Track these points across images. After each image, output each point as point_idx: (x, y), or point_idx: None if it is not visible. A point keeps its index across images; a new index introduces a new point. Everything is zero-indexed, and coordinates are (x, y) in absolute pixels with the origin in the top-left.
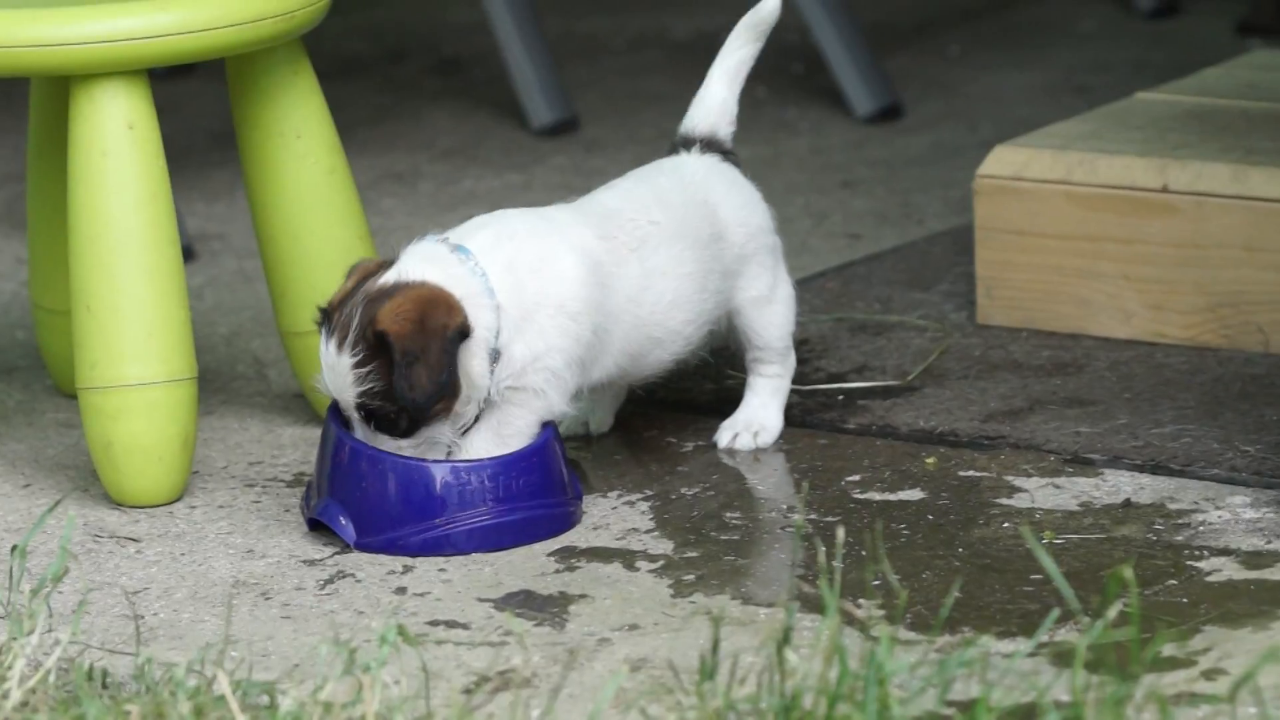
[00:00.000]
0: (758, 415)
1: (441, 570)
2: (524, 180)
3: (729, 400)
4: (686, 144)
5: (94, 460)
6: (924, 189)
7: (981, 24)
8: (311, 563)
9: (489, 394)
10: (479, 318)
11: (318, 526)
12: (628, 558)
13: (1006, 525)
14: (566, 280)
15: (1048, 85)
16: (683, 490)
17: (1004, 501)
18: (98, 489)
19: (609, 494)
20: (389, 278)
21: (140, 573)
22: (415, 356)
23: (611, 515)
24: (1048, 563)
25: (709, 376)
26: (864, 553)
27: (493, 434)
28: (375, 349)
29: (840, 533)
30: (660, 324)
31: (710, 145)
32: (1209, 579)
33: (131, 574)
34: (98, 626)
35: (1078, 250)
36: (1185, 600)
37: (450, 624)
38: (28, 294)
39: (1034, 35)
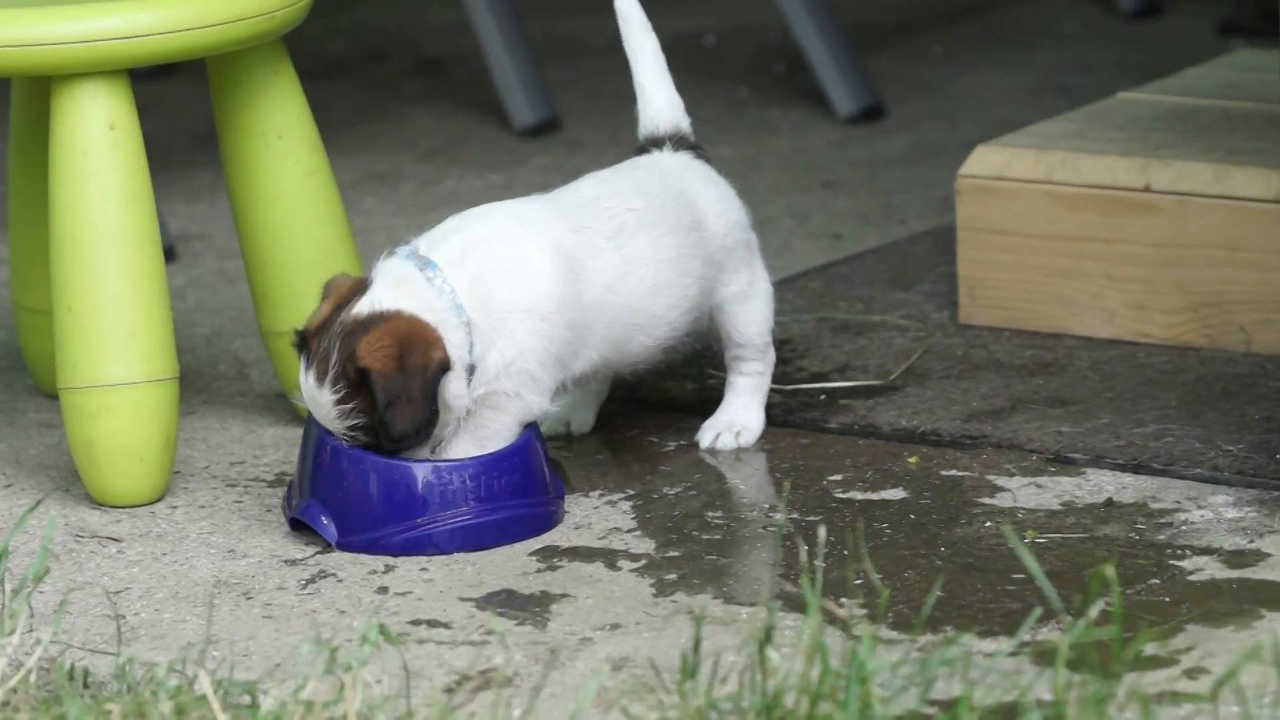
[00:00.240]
0: (739, 415)
1: (423, 570)
2: (506, 180)
3: (711, 400)
4: (656, 144)
5: (75, 460)
6: (906, 189)
7: (963, 24)
8: (293, 562)
9: (464, 412)
10: (452, 339)
11: (299, 526)
12: (609, 557)
13: (989, 524)
14: (537, 282)
15: (1030, 85)
16: (665, 490)
17: (986, 501)
18: (79, 489)
19: (591, 493)
20: (363, 307)
21: (122, 573)
22: (397, 394)
23: (593, 515)
24: (1030, 562)
25: (691, 376)
26: (846, 552)
27: (471, 438)
28: (357, 386)
29: (822, 532)
30: (642, 310)
31: (679, 142)
32: (1191, 578)
33: (113, 574)
34: (79, 626)
35: (1060, 250)
36: (1167, 599)
37: (432, 623)
38: (8, 294)
39: (1016, 35)
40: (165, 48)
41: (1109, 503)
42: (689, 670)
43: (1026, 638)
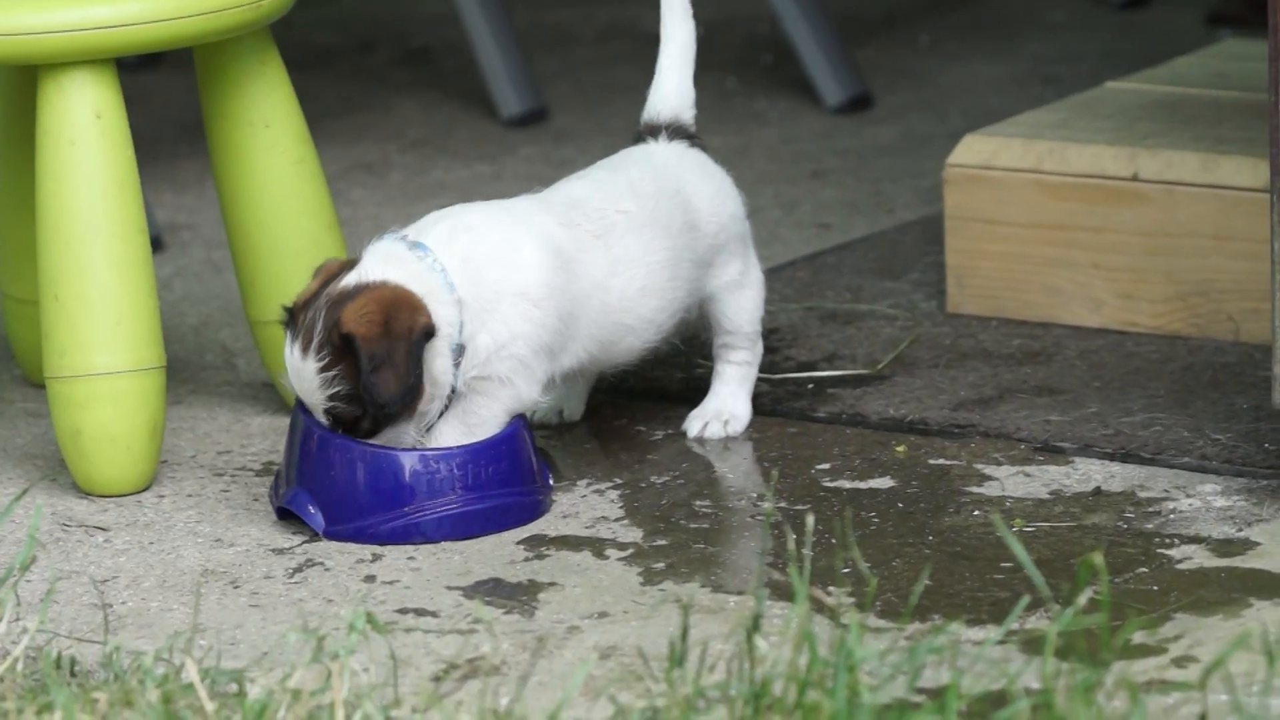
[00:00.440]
0: (727, 404)
1: (410, 558)
2: (493, 171)
3: (699, 389)
4: (652, 132)
5: (62, 449)
6: (894, 178)
7: (951, 15)
8: (280, 551)
9: (455, 388)
10: (441, 314)
11: (286, 515)
12: (597, 546)
13: (977, 513)
14: (527, 267)
15: (1017, 75)
16: (652, 479)
17: (974, 489)
18: (66, 478)
19: (579, 482)
20: (350, 280)
21: (109, 561)
22: (382, 360)
23: (581, 503)
24: (1018, 550)
25: (679, 365)
26: (834, 540)
27: (460, 424)
28: (341, 352)
29: (810, 520)
30: (630, 311)
31: (676, 131)
32: (1179, 567)
33: (100, 563)
34: (66, 615)
35: (1048, 239)
36: (1156, 588)
37: (419, 612)
38: None
39: (1004, 26)
40: (152, 37)
41: (1097, 491)
42: (677, 658)
43: (1015, 626)
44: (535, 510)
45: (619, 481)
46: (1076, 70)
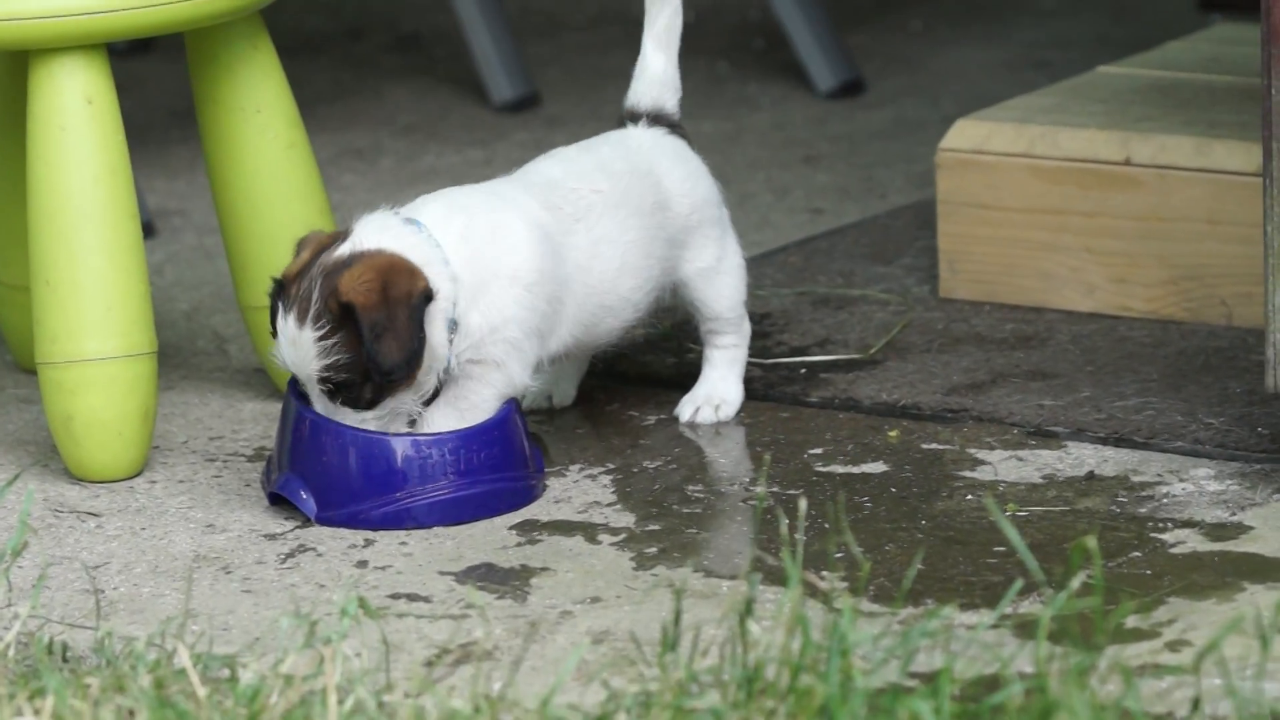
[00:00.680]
0: (718, 388)
1: (402, 544)
2: (485, 156)
3: (690, 374)
4: (633, 118)
5: (54, 435)
6: (886, 163)
7: (943, 0)
8: (272, 537)
9: (449, 366)
10: (437, 286)
11: (278, 501)
12: (589, 531)
13: (969, 498)
14: (520, 250)
15: (1009, 61)
16: (644, 463)
17: (967, 474)
18: (57, 464)
19: (571, 467)
20: (344, 249)
21: (100, 547)
22: (383, 327)
23: (573, 489)
24: (1012, 534)
25: (670, 350)
26: (826, 525)
27: (451, 408)
28: (340, 321)
29: (803, 505)
30: (610, 291)
31: (657, 119)
32: (1172, 551)
33: (92, 548)
34: (58, 601)
35: (1040, 223)
36: (1149, 572)
37: (411, 597)
38: None
39: (996, 11)
40: (143, 22)
41: (1090, 476)
42: (669, 643)
43: (1008, 610)
44: (527, 495)
45: (611, 466)
46: (1068, 55)
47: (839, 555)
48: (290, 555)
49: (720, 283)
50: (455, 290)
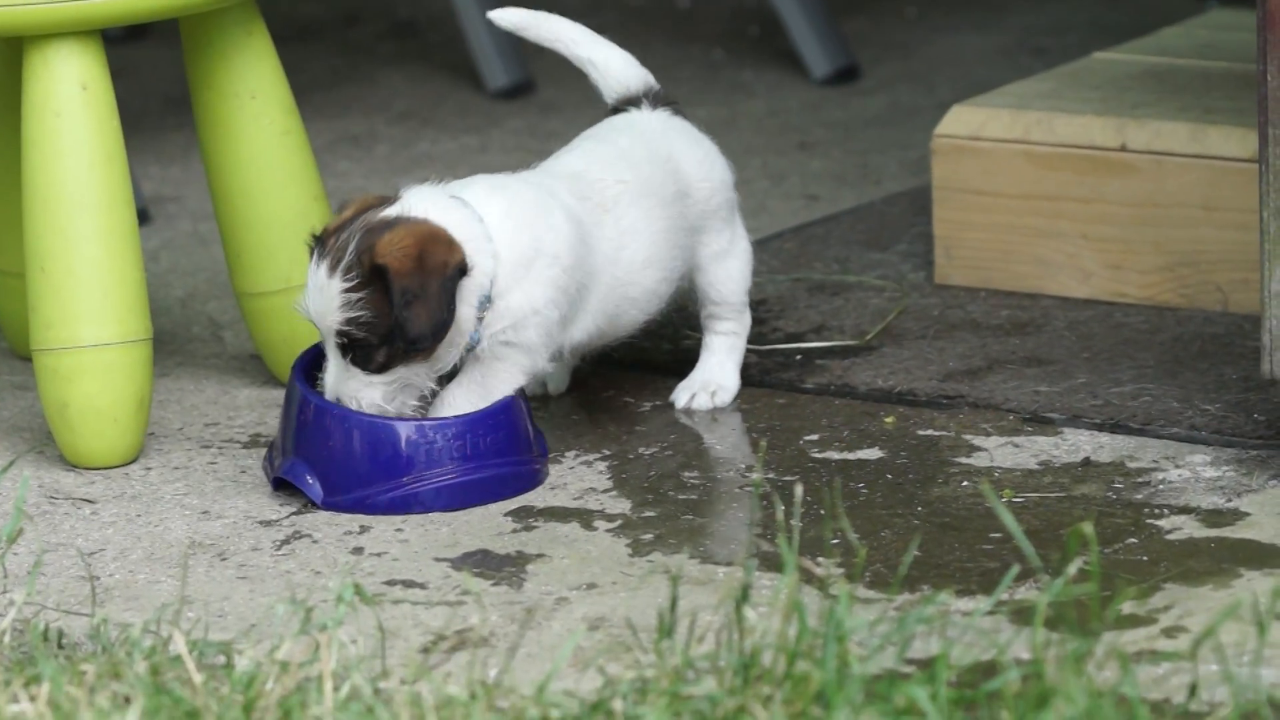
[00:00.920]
0: (715, 375)
1: (398, 530)
2: (480, 143)
3: (686, 360)
4: (632, 102)
5: (49, 422)
6: (881, 150)
7: None
8: (268, 523)
9: (476, 344)
10: (477, 262)
11: (283, 486)
12: (585, 517)
13: (965, 484)
14: (559, 233)
15: (1005, 47)
16: (640, 450)
17: (963, 460)
18: (53, 450)
19: (567, 454)
20: (390, 211)
21: (96, 534)
22: (414, 295)
23: (569, 475)
24: (1008, 520)
25: (666, 337)
26: (822, 511)
27: (477, 387)
28: (369, 278)
29: (798, 491)
30: (636, 283)
31: (656, 98)
32: (1169, 537)
33: (87, 535)
34: (53, 587)
35: (1036, 210)
36: (1145, 558)
37: (407, 583)
38: None
39: None
40: (138, 8)
41: (1086, 462)
42: (666, 629)
43: (1004, 596)
44: (532, 480)
45: (607, 453)
46: (1064, 41)
47: (835, 541)
48: (286, 542)
49: (729, 266)
50: (495, 268)
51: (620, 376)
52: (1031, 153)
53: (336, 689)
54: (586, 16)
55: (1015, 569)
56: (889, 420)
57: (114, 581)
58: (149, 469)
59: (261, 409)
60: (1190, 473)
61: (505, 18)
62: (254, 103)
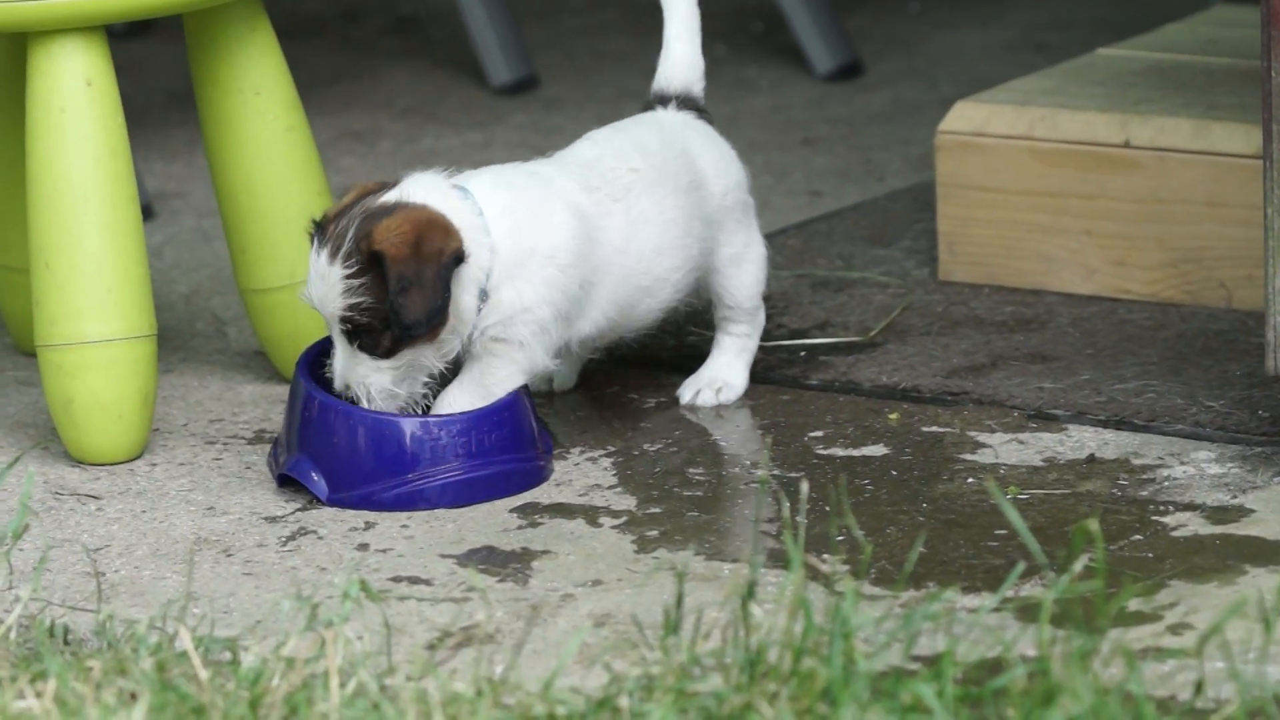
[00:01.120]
0: (721, 373)
1: (404, 527)
2: (484, 139)
3: (691, 357)
4: (662, 101)
5: (54, 418)
6: (885, 146)
7: None
8: (273, 520)
9: (473, 336)
10: (474, 253)
11: (287, 482)
12: (590, 514)
13: (970, 481)
14: (560, 232)
15: (1008, 43)
16: (645, 446)
17: (967, 457)
18: (58, 446)
19: (572, 450)
20: (389, 197)
21: (101, 530)
22: (410, 281)
23: (574, 471)
24: (1014, 516)
25: (670, 333)
26: (828, 508)
27: (475, 385)
28: (368, 265)
29: (804, 488)
30: (647, 272)
31: (685, 102)
32: (1174, 534)
33: (92, 531)
34: (59, 584)
35: (1039, 206)
36: (1150, 555)
37: (413, 580)
38: None
39: None
40: (143, 4)
41: (1091, 459)
42: (671, 626)
43: (1010, 593)
44: (537, 476)
45: (612, 449)
46: (1067, 37)
47: (840, 538)
48: (291, 538)
49: (744, 270)
50: (492, 262)
51: (625, 373)
52: (1035, 149)
53: (342, 685)
54: (589, 12)
55: (1021, 566)
56: (893, 417)
57: (119, 578)
58: (154, 465)
59: (266, 405)
60: (1195, 469)
61: None
62: (258, 99)
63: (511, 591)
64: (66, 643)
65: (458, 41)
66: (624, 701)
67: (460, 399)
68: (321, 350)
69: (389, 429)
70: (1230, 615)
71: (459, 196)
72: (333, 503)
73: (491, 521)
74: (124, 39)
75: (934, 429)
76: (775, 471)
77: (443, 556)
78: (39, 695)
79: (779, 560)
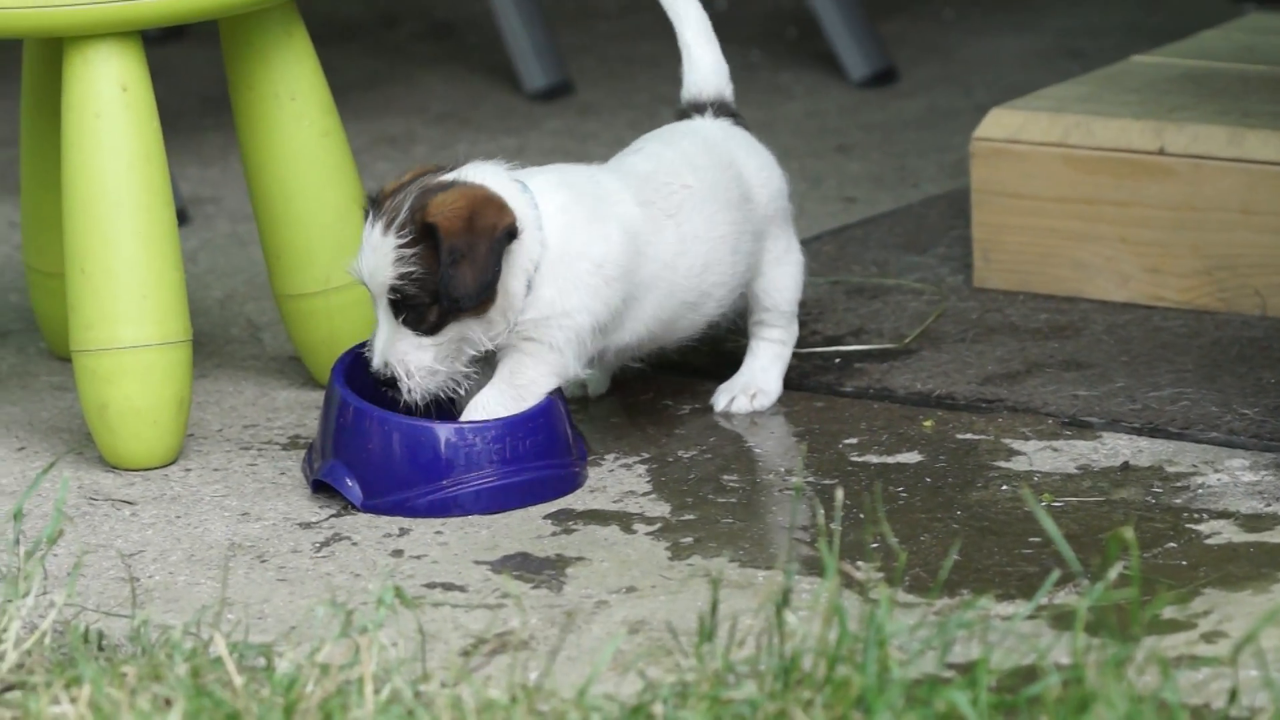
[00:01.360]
0: (756, 379)
1: (438, 533)
2: (518, 144)
3: (726, 364)
4: (697, 109)
5: (88, 423)
6: (919, 152)
7: None
8: (307, 525)
9: (511, 328)
10: (525, 240)
11: (322, 489)
12: (625, 520)
13: (1005, 488)
14: (610, 243)
15: (1042, 49)
16: (680, 453)
17: (1002, 464)
18: (92, 452)
19: (606, 457)
20: (448, 176)
21: (136, 535)
22: (461, 254)
23: (609, 478)
24: (1048, 524)
25: (707, 340)
26: (862, 515)
27: (506, 385)
28: (421, 235)
29: (839, 495)
30: (694, 288)
31: (720, 109)
32: (1208, 542)
33: (127, 536)
34: (93, 589)
35: (1074, 213)
36: (1185, 563)
37: (447, 586)
38: (21, 257)
39: None
40: (179, 9)
41: (1125, 466)
42: (706, 633)
43: (1044, 601)
44: (572, 483)
45: (646, 456)
46: (1101, 44)
47: (875, 545)
48: (325, 544)
49: (783, 273)
50: (541, 256)
51: (659, 379)
52: (1070, 156)
53: (377, 692)
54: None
55: (1055, 573)
56: (928, 424)
57: (154, 583)
58: (188, 470)
59: (300, 410)
60: (1229, 477)
61: None
62: (294, 104)
63: (546, 598)
64: (101, 648)
65: (493, 47)
66: (658, 708)
67: (492, 400)
68: (356, 357)
69: (424, 435)
70: (1265, 623)
71: (518, 189)
72: (367, 509)
73: (526, 528)
74: (159, 43)
75: (968, 436)
76: (810, 478)
77: (477, 563)
78: (74, 701)
79: (813, 567)
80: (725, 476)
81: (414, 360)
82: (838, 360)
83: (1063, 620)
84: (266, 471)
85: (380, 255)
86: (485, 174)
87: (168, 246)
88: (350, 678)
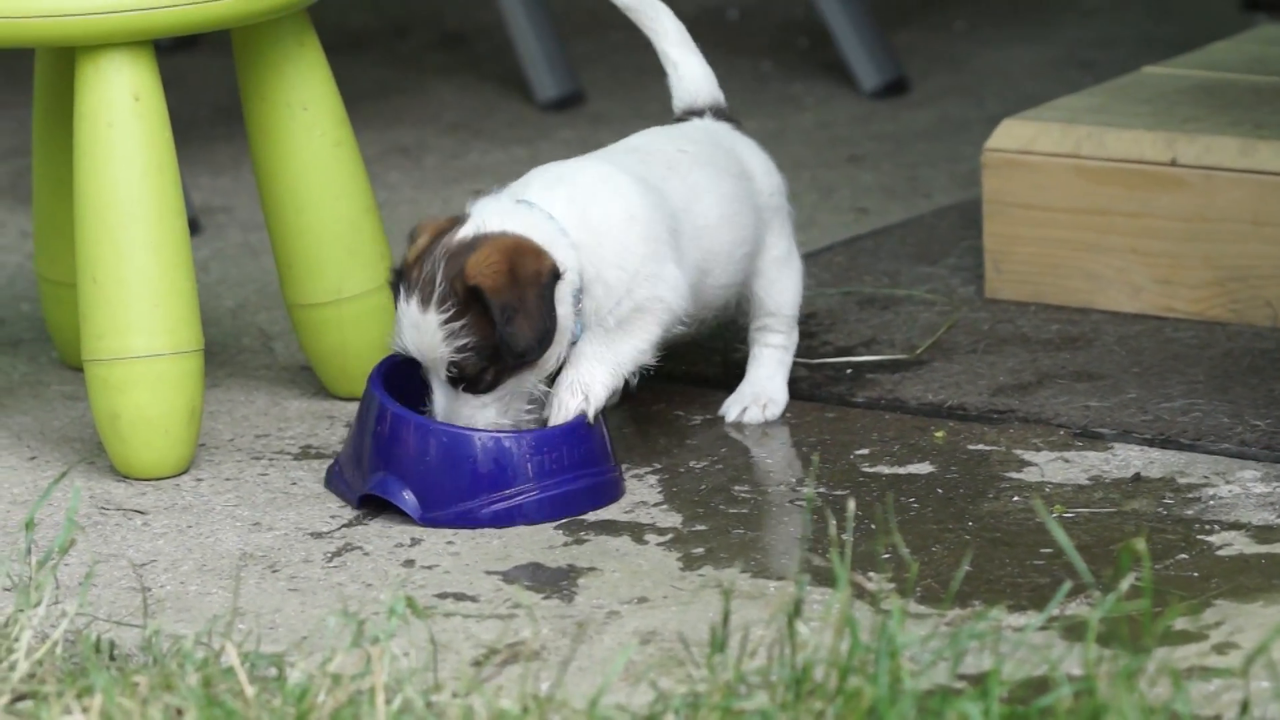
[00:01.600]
0: (765, 388)
1: (449, 543)
2: (530, 154)
3: (735, 374)
4: (696, 114)
5: (100, 432)
6: (931, 163)
7: None
8: (319, 535)
9: (576, 338)
10: (561, 259)
11: (368, 502)
12: (636, 531)
13: (1016, 499)
14: (625, 193)
15: (1054, 60)
16: (691, 463)
17: (1013, 475)
18: (104, 461)
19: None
20: (466, 231)
21: (147, 545)
22: (514, 308)
23: None
24: (1060, 535)
25: (716, 350)
26: (874, 526)
27: (605, 352)
28: (466, 303)
29: (850, 505)
30: (715, 237)
31: (718, 114)
32: (1220, 553)
33: (138, 546)
34: (105, 598)
35: (1086, 224)
36: (1196, 574)
37: (459, 596)
38: (33, 266)
39: (1040, 10)
40: (191, 18)
41: (1137, 477)
42: (718, 644)
43: (1056, 612)
44: (617, 489)
45: (657, 466)
46: (1113, 55)
47: (886, 556)
48: (337, 554)
49: (786, 276)
50: (580, 259)
51: (669, 390)
52: (1082, 167)
53: (388, 702)
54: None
55: (1067, 585)
56: (939, 435)
57: (165, 593)
58: (200, 480)
59: (312, 420)
60: (1241, 488)
61: None
62: (306, 114)
63: (557, 608)
64: (112, 658)
65: (504, 57)
66: (670, 719)
67: (594, 370)
68: (393, 364)
69: (490, 446)
70: (1276, 635)
71: (526, 211)
72: (425, 522)
73: (537, 538)
74: (171, 53)
75: (980, 447)
76: (821, 489)
77: (488, 573)
78: (85, 711)
79: (825, 578)
80: (737, 487)
81: (479, 420)
82: (849, 371)
83: (1074, 631)
84: (278, 481)
85: (428, 334)
86: (496, 213)
87: (179, 256)
88: (362, 688)
